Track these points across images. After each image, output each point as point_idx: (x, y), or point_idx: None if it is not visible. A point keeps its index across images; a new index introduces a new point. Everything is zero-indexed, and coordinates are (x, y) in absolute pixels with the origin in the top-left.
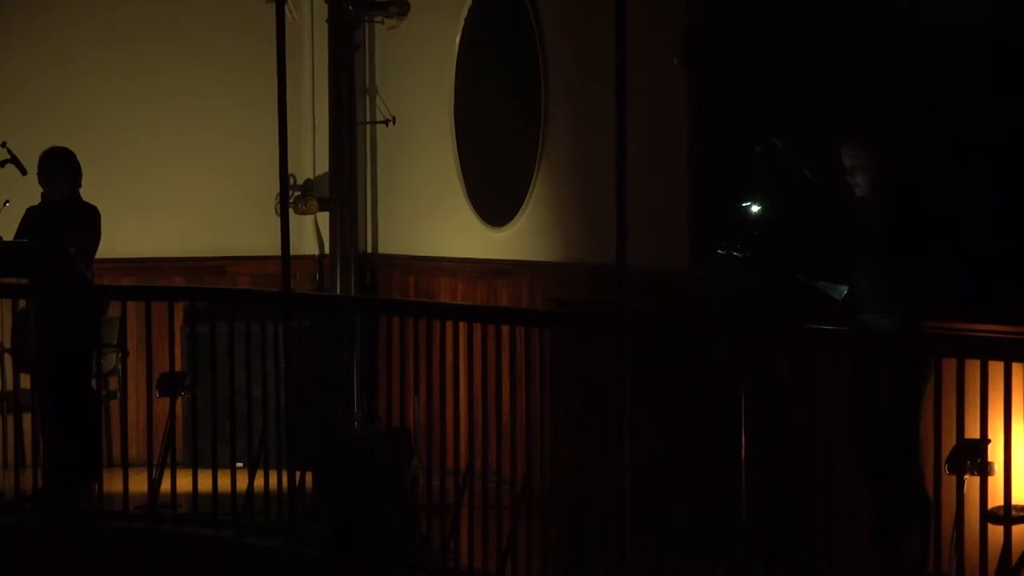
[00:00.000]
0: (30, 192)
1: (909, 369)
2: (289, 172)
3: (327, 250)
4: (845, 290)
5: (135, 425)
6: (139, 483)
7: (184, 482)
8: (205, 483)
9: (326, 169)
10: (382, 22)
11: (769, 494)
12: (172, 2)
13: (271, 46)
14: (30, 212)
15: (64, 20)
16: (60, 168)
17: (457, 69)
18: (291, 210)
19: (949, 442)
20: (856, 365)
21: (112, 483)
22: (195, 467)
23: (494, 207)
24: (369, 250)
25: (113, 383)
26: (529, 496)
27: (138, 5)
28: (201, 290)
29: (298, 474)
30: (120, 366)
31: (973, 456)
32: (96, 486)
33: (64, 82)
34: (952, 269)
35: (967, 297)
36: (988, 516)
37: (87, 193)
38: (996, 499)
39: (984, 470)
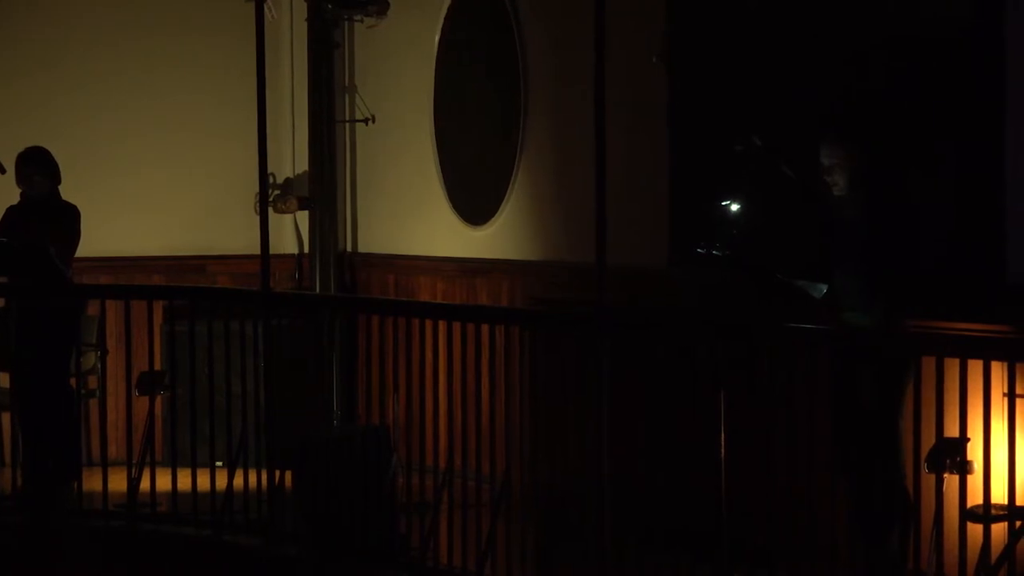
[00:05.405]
0: (12, 191)
1: (889, 367)
2: (268, 171)
3: (307, 249)
4: (825, 289)
5: (114, 424)
6: (118, 482)
7: (163, 481)
8: (184, 482)
9: (306, 168)
10: (361, 21)
11: (749, 493)
12: (152, 1)
13: (250, 45)
14: (9, 211)
15: (46, 20)
16: (34, 166)
17: (436, 68)
18: (270, 209)
19: (928, 441)
20: (836, 364)
21: (91, 482)
22: (174, 466)
23: (474, 206)
24: (349, 249)
25: (92, 382)
26: (509, 494)
27: (118, 5)
28: (180, 289)
29: (277, 473)
30: (99, 365)
31: (952, 455)
32: (75, 485)
33: (45, 82)
34: (932, 267)
35: (946, 295)
36: (967, 515)
37: (68, 192)
38: (975, 498)
39: (963, 469)
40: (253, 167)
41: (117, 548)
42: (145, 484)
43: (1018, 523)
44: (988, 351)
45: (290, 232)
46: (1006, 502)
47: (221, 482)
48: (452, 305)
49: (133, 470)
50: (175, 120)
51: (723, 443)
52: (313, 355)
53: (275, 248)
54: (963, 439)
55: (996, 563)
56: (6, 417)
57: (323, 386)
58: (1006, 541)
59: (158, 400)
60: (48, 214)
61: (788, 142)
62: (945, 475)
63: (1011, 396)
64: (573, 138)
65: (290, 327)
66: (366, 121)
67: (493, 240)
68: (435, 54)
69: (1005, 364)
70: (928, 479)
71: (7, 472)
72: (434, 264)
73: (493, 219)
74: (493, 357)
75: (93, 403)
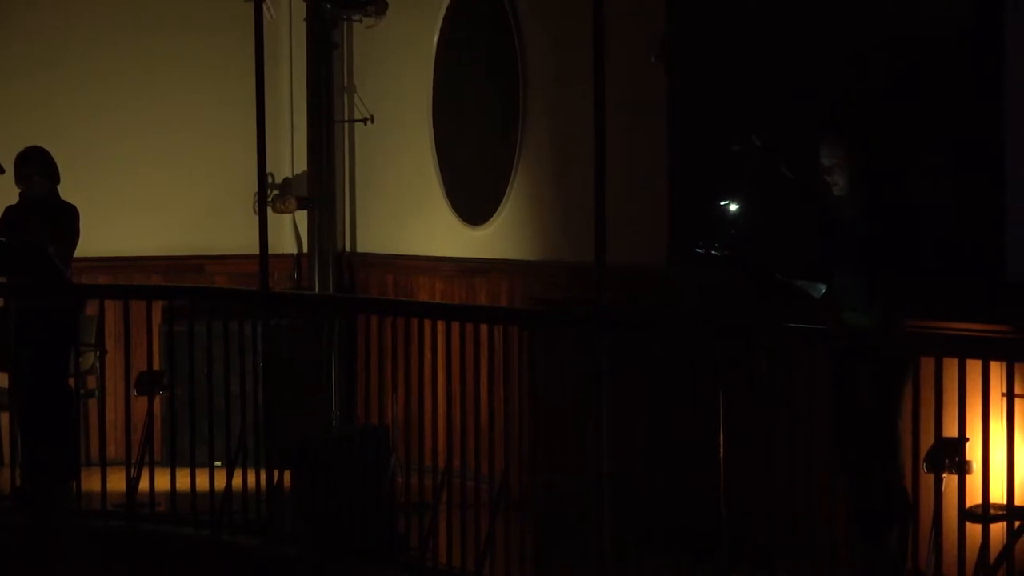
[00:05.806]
0: (12, 191)
1: (888, 367)
2: (267, 171)
3: (305, 249)
4: (824, 288)
5: (113, 424)
6: (117, 482)
7: (162, 481)
8: (183, 482)
9: (304, 168)
10: (360, 21)
11: (749, 493)
12: (152, 1)
13: (250, 45)
14: (8, 211)
15: (46, 20)
16: (34, 166)
17: (435, 68)
18: (269, 209)
19: (927, 441)
20: (835, 364)
21: (90, 482)
22: (173, 466)
23: (472, 205)
24: (347, 249)
25: (91, 382)
26: (507, 494)
27: (118, 5)
28: (179, 289)
29: (276, 473)
30: (98, 365)
31: (951, 455)
32: (74, 485)
33: (45, 82)
34: (931, 267)
35: (945, 295)
36: (966, 515)
37: (68, 192)
38: (974, 498)
39: (962, 469)
40: (252, 167)
41: (116, 548)
42: (144, 484)
43: (1017, 523)
44: (987, 351)
45: (289, 232)
46: (1005, 502)
47: (220, 482)
48: (451, 305)
49: (132, 470)
50: (175, 120)
51: (722, 443)
52: (312, 355)
53: (274, 248)
54: (962, 439)
55: (995, 563)
56: (5, 417)
57: (322, 386)
58: (1005, 541)
59: (157, 400)
60: (47, 214)
61: (788, 142)
62: (944, 475)
63: (1010, 396)
64: (572, 138)
65: (289, 327)
66: (365, 121)
67: (492, 240)
68: (434, 54)
69: (1004, 364)
70: (927, 479)
71: (6, 472)
72: (433, 264)
73: (492, 219)
74: (492, 357)
75: (92, 403)
